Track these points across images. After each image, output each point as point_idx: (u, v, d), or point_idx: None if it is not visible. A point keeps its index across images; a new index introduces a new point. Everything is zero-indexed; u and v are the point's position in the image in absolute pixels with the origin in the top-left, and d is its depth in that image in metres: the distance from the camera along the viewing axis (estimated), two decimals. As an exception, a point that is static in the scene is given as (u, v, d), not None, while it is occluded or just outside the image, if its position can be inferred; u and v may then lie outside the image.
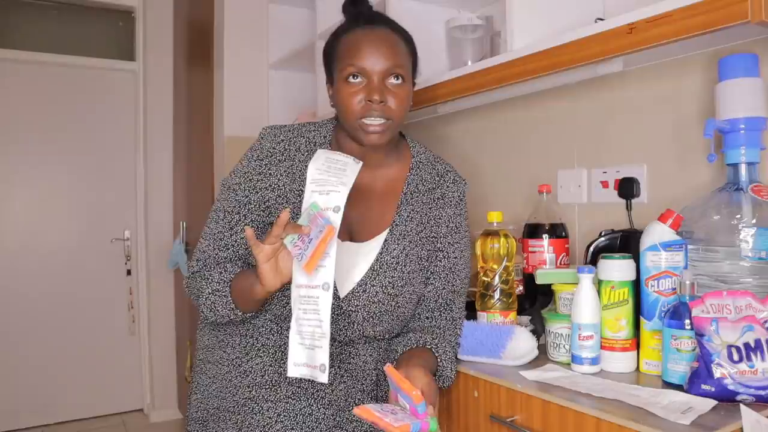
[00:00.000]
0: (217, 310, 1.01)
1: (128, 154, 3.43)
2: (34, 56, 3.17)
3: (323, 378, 0.88)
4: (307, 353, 0.90)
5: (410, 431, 0.80)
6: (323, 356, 0.88)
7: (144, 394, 3.46)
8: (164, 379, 3.44)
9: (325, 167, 0.93)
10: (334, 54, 1.05)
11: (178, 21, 3.40)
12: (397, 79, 1.01)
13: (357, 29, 1.04)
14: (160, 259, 3.41)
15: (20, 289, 3.16)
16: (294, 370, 0.91)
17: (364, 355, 1.08)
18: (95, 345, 3.33)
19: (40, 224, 3.22)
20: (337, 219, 0.89)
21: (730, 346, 0.85)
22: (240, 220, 1.05)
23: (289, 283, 0.92)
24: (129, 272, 3.42)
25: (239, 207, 1.06)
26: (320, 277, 0.88)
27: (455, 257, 1.12)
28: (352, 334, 1.04)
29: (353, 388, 1.07)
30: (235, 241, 1.05)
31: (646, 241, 1.00)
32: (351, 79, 1.00)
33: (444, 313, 1.11)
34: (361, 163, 0.94)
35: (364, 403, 1.06)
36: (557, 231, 1.32)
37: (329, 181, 0.91)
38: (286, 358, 1.03)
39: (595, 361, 1.01)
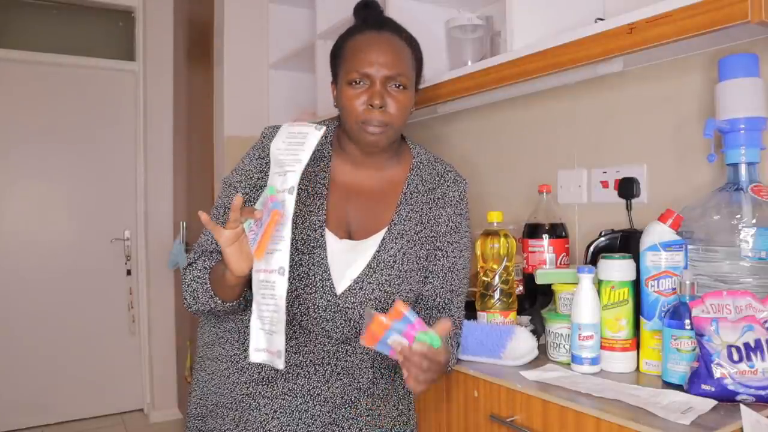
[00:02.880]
0: (198, 298, 1.02)
1: (128, 154, 3.43)
2: (34, 56, 3.17)
3: (280, 365, 0.87)
4: (267, 338, 0.89)
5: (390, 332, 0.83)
6: (280, 342, 0.87)
7: (144, 394, 3.46)
8: (164, 379, 3.44)
9: (285, 145, 0.90)
10: (341, 56, 1.07)
11: (178, 21, 3.40)
12: (399, 85, 1.03)
13: (365, 33, 1.05)
14: (160, 259, 3.41)
15: (20, 288, 3.16)
16: (255, 356, 0.90)
17: (361, 353, 1.08)
18: (95, 345, 3.33)
19: (40, 224, 3.22)
20: (291, 200, 0.86)
21: (730, 346, 0.85)
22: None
23: None
24: (129, 272, 3.42)
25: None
26: (275, 261, 0.86)
27: (454, 257, 1.12)
28: (349, 331, 1.05)
29: (349, 385, 1.07)
30: None
31: (646, 241, 1.00)
32: (354, 84, 1.02)
33: (442, 312, 1.11)
34: (324, 128, 0.91)
35: (360, 401, 1.07)
36: (557, 231, 1.32)
37: (286, 161, 0.89)
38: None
39: (595, 361, 1.01)
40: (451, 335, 1.07)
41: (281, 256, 0.86)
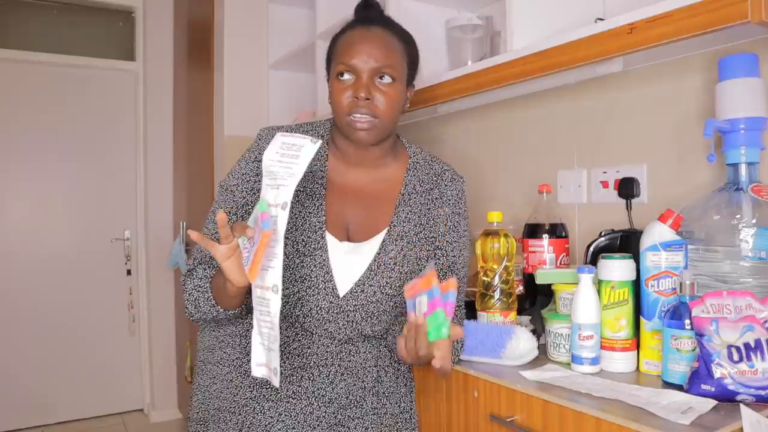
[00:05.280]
0: (200, 306, 1.01)
1: (128, 154, 3.43)
2: (34, 56, 3.18)
3: (276, 382, 0.86)
4: (266, 354, 0.88)
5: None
6: (276, 360, 0.86)
7: (144, 394, 3.46)
8: (164, 379, 3.44)
9: (279, 155, 0.87)
10: (332, 53, 1.07)
11: (178, 21, 3.40)
12: (387, 78, 1.01)
13: (355, 29, 1.05)
14: (160, 259, 3.41)
15: (20, 289, 3.16)
16: (256, 370, 0.90)
17: (365, 352, 1.08)
18: (95, 345, 3.33)
19: (40, 224, 3.22)
20: (284, 216, 0.84)
21: (730, 346, 0.85)
22: (237, 221, 1.05)
23: None
24: (129, 272, 3.42)
25: (236, 208, 1.06)
26: (269, 279, 0.85)
27: (454, 256, 1.12)
28: (352, 332, 1.04)
29: (354, 385, 1.07)
30: None
31: (646, 241, 1.00)
32: (341, 77, 1.01)
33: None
34: (320, 142, 0.87)
35: (365, 400, 1.07)
36: (557, 231, 1.32)
37: (279, 173, 0.86)
38: (286, 357, 1.04)
39: (595, 361, 1.01)
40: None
41: (274, 273, 0.84)
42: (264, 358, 0.89)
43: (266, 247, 0.83)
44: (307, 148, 0.85)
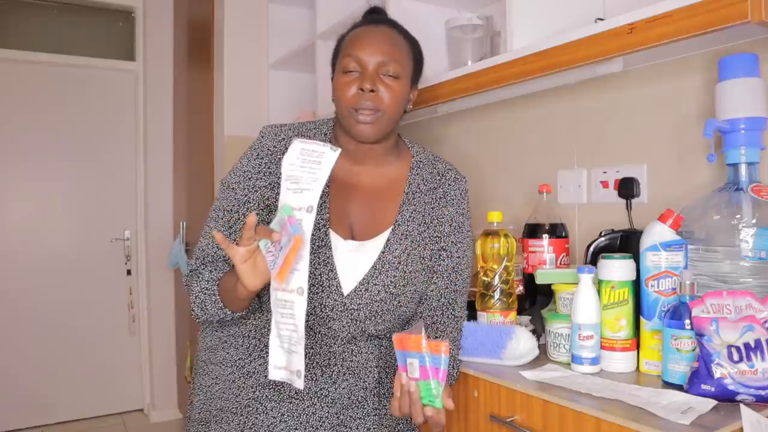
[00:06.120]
0: (207, 309, 1.01)
1: (128, 154, 3.43)
2: (34, 56, 3.18)
3: (299, 384, 0.87)
4: (286, 357, 0.88)
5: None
6: (299, 362, 0.86)
7: (144, 394, 3.46)
8: (164, 379, 3.44)
9: (300, 161, 0.89)
10: (338, 50, 1.08)
11: (178, 21, 3.41)
12: (392, 73, 1.03)
13: (362, 27, 1.07)
14: (160, 259, 3.41)
15: (20, 289, 3.16)
16: (274, 373, 0.90)
17: (366, 352, 1.08)
18: (95, 345, 3.33)
19: (40, 224, 3.22)
20: (309, 219, 0.85)
21: (730, 346, 0.85)
22: (239, 219, 1.05)
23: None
24: (129, 272, 3.42)
25: (238, 206, 1.06)
26: (294, 281, 0.85)
27: (458, 257, 1.12)
28: (355, 331, 1.04)
29: (356, 385, 1.07)
30: (234, 240, 1.05)
31: (646, 241, 1.00)
32: (347, 70, 1.02)
33: (447, 311, 1.11)
34: (339, 150, 0.89)
35: (366, 401, 1.07)
36: (557, 231, 1.32)
37: (302, 177, 0.87)
38: None
39: (595, 361, 1.01)
40: (451, 355, 1.07)
41: (300, 276, 0.85)
42: (283, 361, 0.89)
43: (298, 251, 0.84)
44: (328, 155, 0.88)
